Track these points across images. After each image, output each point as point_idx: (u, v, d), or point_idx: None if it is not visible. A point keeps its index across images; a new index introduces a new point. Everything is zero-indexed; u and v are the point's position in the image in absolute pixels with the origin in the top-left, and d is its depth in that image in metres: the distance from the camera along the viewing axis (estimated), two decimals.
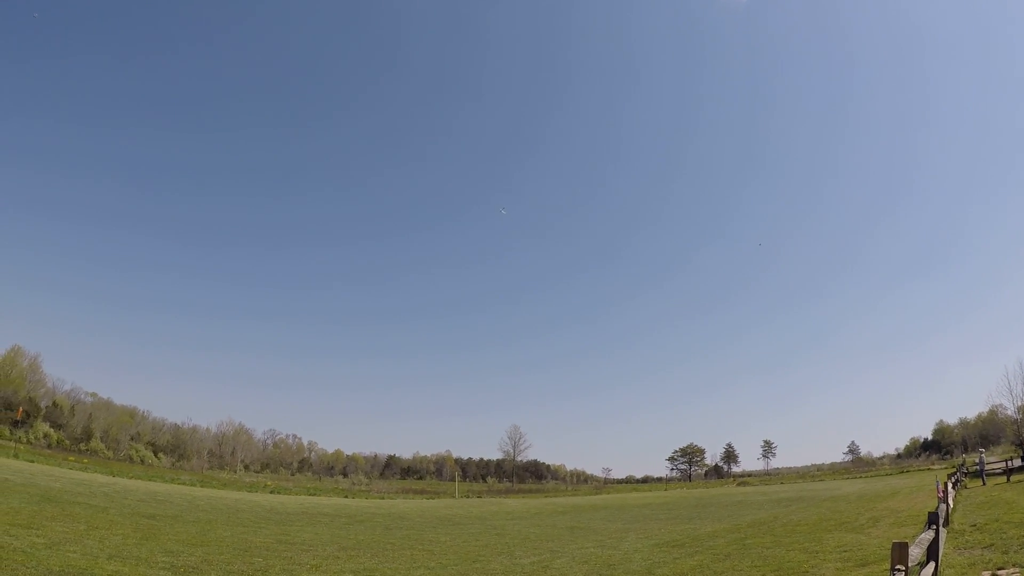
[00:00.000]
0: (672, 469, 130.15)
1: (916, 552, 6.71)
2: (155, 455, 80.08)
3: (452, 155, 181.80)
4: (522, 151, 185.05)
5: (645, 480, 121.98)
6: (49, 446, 63.23)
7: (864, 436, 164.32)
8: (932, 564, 8.51)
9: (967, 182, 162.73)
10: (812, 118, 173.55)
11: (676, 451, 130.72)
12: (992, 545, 11.91)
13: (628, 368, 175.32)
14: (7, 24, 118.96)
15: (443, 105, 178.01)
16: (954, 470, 35.33)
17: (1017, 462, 34.73)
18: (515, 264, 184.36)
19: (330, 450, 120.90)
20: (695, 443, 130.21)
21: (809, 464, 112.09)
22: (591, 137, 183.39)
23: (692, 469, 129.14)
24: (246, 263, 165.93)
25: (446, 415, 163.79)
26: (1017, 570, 9.41)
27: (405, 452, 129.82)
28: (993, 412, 75.18)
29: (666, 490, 75.10)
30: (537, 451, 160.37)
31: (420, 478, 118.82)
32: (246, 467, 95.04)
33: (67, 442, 69.30)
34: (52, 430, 69.00)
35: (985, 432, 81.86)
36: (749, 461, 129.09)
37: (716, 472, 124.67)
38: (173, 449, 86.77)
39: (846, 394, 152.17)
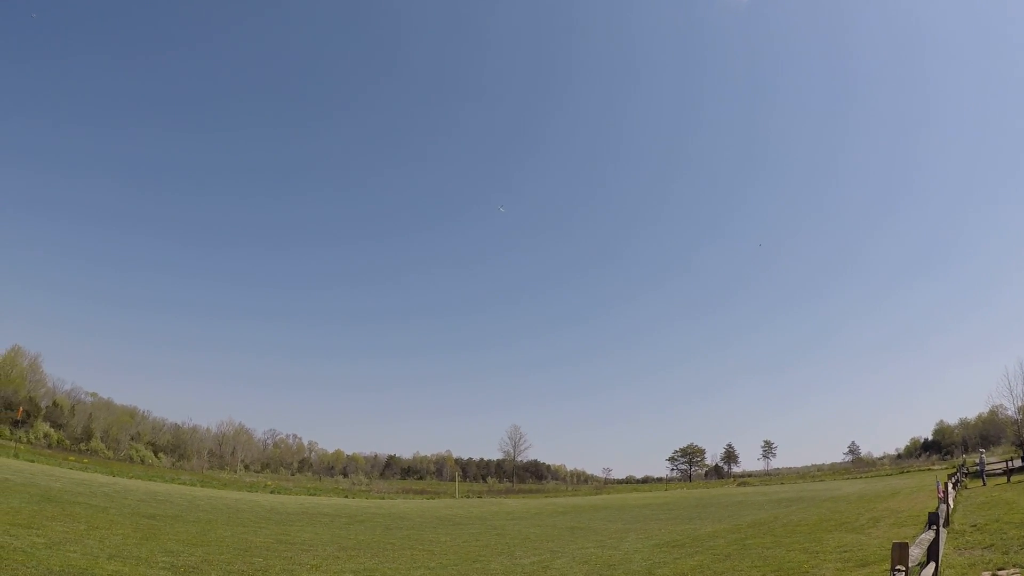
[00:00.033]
0: (672, 469, 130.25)
1: (916, 552, 6.71)
2: (155, 455, 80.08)
3: (452, 155, 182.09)
4: (522, 151, 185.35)
5: (645, 480, 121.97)
6: (49, 446, 63.23)
7: (864, 436, 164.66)
8: (932, 564, 8.51)
9: (967, 182, 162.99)
10: (813, 118, 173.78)
11: (676, 451, 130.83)
12: (992, 545, 11.91)
13: (628, 368, 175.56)
14: (7, 24, 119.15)
15: (443, 105, 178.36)
16: (954, 470, 35.31)
17: (1017, 462, 34.71)
18: (515, 264, 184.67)
19: (330, 450, 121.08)
20: (695, 443, 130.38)
21: (809, 464, 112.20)
22: (591, 137, 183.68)
23: (692, 469, 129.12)
24: (246, 263, 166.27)
25: (446, 415, 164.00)
26: (1017, 570, 9.41)
27: (405, 452, 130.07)
28: (993, 412, 75.14)
29: (666, 490, 75.11)
30: (537, 451, 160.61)
31: (420, 478, 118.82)
32: (246, 467, 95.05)
33: (67, 442, 69.30)
34: (52, 430, 69.01)
35: (985, 432, 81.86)
36: (749, 461, 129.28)
37: (716, 472, 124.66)
38: (173, 449, 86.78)
39: (846, 394, 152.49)
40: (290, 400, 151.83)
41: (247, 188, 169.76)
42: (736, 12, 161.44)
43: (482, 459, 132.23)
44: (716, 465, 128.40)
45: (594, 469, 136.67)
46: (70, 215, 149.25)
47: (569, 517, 31.11)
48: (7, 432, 59.04)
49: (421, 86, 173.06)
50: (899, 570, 5.54)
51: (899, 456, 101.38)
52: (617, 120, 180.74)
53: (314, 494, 51.28)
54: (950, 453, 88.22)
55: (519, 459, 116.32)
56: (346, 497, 51.23)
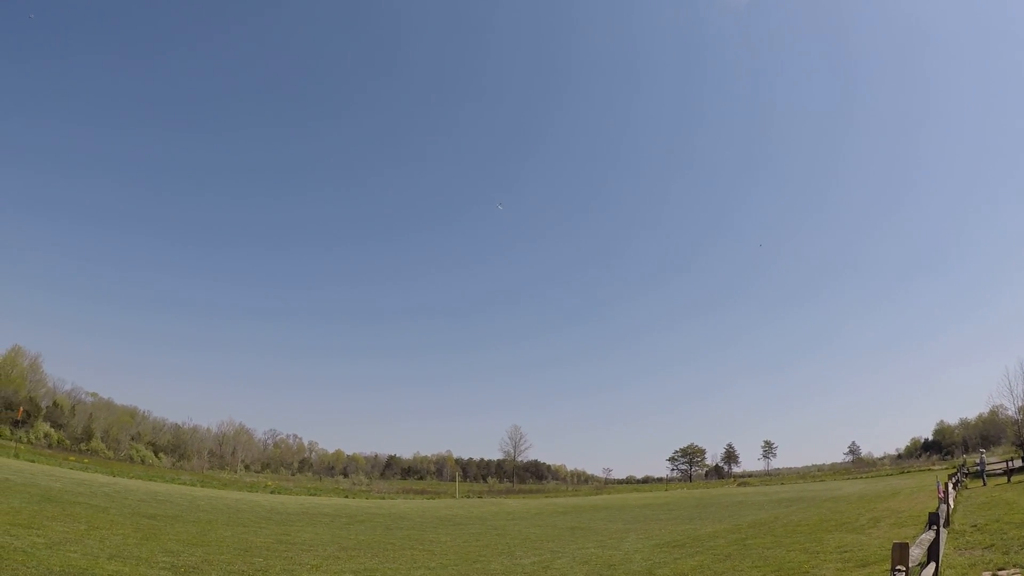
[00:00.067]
0: (673, 469, 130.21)
1: (917, 553, 6.71)
2: (155, 455, 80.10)
3: (452, 155, 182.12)
4: (523, 151, 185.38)
5: (646, 480, 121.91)
6: (50, 446, 63.23)
7: (865, 436, 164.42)
8: (933, 564, 8.51)
9: (968, 182, 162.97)
10: (813, 118, 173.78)
11: (677, 451, 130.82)
12: (993, 546, 11.90)
13: (629, 368, 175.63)
14: (7, 24, 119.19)
15: (443, 105, 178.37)
16: (955, 470, 35.29)
17: (1018, 462, 34.69)
18: (515, 264, 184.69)
19: (330, 450, 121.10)
20: (696, 443, 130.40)
21: (810, 464, 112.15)
22: (591, 137, 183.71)
23: (693, 469, 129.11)
24: (246, 263, 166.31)
25: (447, 415, 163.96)
26: (1018, 570, 9.41)
27: (405, 452, 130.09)
28: (994, 412, 75.14)
29: (667, 490, 75.08)
30: (538, 451, 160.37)
31: (420, 478, 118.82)
32: (246, 467, 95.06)
33: (67, 442, 69.32)
34: (53, 430, 69.02)
35: (986, 432, 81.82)
36: (750, 461, 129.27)
37: (717, 472, 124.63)
38: (174, 449, 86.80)
39: (847, 394, 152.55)
40: (290, 400, 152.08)
41: (247, 188, 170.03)
42: (736, 12, 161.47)
43: (482, 459, 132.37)
44: (716, 465, 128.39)
45: (594, 469, 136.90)
46: (70, 215, 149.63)
47: (569, 517, 31.11)
48: (7, 432, 59.06)
49: (421, 86, 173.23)
50: (899, 570, 5.53)
51: (899, 456, 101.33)
52: (617, 120, 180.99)
53: (314, 494, 51.27)
54: (950, 453, 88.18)
55: (519, 459, 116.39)
56: (346, 497, 51.22)
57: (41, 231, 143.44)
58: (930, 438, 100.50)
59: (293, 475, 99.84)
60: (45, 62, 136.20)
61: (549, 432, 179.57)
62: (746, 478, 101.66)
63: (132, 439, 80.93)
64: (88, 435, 74.61)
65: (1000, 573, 9.38)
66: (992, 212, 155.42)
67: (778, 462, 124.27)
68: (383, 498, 53.51)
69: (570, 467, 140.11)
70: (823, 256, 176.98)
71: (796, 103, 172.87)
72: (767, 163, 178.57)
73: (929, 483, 32.71)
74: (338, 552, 15.28)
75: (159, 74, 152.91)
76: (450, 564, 14.09)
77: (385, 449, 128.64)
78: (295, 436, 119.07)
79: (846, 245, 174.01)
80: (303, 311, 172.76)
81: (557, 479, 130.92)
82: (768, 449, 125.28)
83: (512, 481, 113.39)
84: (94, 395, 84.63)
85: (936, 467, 63.61)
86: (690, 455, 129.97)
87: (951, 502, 18.02)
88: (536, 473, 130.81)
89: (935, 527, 8.61)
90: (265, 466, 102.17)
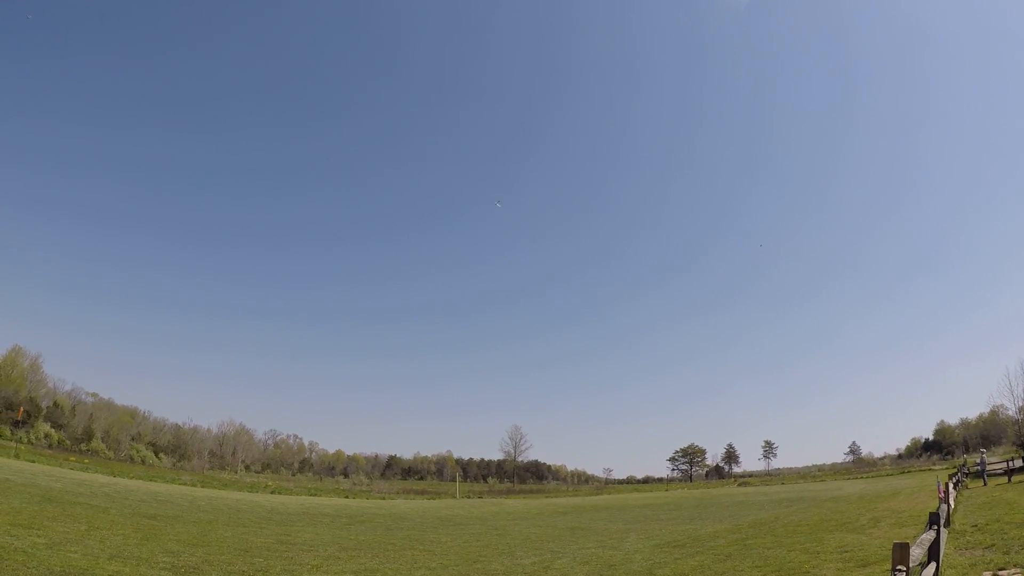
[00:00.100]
0: (673, 469, 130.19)
1: (917, 552, 6.71)
2: (156, 455, 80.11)
3: (453, 155, 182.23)
4: (523, 151, 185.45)
5: (646, 480, 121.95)
6: (50, 446, 63.24)
7: (865, 436, 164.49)
8: (933, 564, 8.51)
9: (968, 182, 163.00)
10: (813, 118, 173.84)
11: (677, 451, 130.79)
12: (993, 546, 11.90)
13: (629, 368, 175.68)
14: (7, 24, 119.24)
15: (443, 105, 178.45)
16: (955, 470, 35.26)
17: (1018, 462, 34.67)
18: (516, 264, 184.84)
19: (331, 450, 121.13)
20: (696, 443, 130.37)
21: (810, 464, 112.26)
22: (591, 137, 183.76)
23: (693, 469, 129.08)
24: (246, 263, 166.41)
25: (447, 415, 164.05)
26: (1018, 570, 9.40)
27: (406, 452, 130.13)
28: (994, 412, 75.19)
29: (667, 490, 75.07)
30: (538, 451, 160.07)
31: (421, 478, 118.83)
32: (247, 467, 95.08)
33: (68, 442, 69.32)
34: (53, 430, 69.03)
35: (986, 432, 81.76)
36: (750, 461, 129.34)
37: (717, 472, 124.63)
38: (174, 449, 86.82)
39: (847, 394, 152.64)
40: (290, 400, 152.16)
41: (247, 188, 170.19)
42: (736, 12, 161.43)
43: (483, 459, 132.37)
44: (717, 465, 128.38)
45: (595, 469, 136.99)
46: (70, 215, 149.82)
47: (570, 517, 31.11)
48: (8, 432, 59.05)
49: (421, 86, 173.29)
50: (900, 570, 5.53)
51: (900, 456, 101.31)
52: (617, 120, 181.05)
53: (315, 494, 51.28)
54: (951, 453, 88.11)
55: (520, 459, 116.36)
56: (347, 497, 51.22)
57: (41, 231, 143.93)
58: (930, 438, 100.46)
59: (293, 475, 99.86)
60: (45, 62, 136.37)
61: (549, 432, 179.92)
62: (746, 478, 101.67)
63: (132, 439, 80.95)
64: (88, 435, 74.62)
65: (1001, 573, 9.38)
66: (992, 212, 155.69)
67: (778, 462, 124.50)
68: (383, 498, 53.51)
69: (570, 467, 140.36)
70: (823, 256, 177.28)
71: (796, 103, 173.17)
72: (767, 163, 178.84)
73: (930, 483, 32.71)
74: (338, 552, 15.28)
75: (159, 74, 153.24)
76: (451, 564, 14.09)
77: (385, 449, 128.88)
78: (295, 436, 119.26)
79: (846, 245, 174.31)
80: (303, 311, 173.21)
81: (557, 479, 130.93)
82: (768, 449, 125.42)
83: (512, 481, 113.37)
84: (94, 395, 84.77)
85: (936, 467, 63.60)
86: (690, 455, 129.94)
87: (952, 502, 18.02)
88: (536, 473, 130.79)
89: (936, 527, 8.61)
90: (265, 466, 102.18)
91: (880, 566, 10.55)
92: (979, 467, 33.19)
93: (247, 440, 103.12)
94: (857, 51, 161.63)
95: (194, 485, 43.67)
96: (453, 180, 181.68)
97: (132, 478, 39.90)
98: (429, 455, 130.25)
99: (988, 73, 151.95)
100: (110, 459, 66.30)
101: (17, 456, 39.04)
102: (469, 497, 63.00)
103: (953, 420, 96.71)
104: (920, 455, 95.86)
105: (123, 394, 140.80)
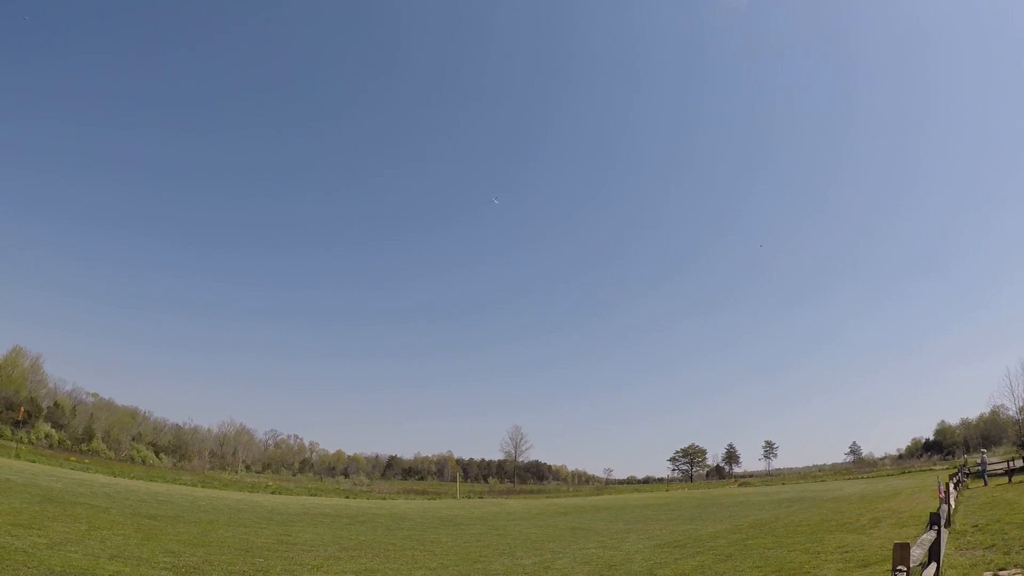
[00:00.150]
0: (673, 470, 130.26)
1: (918, 553, 6.71)
2: (156, 455, 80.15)
3: (453, 155, 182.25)
4: (523, 151, 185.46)
5: (646, 481, 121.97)
6: (50, 446, 63.29)
7: (865, 437, 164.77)
8: (934, 565, 8.51)
9: (968, 182, 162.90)
10: (813, 118, 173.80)
11: (677, 452, 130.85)
12: (994, 546, 11.89)
13: (630, 368, 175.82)
14: (7, 24, 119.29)
15: (443, 105, 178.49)
16: (955, 471, 35.25)
17: (1019, 462, 34.63)
18: (516, 264, 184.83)
19: (331, 450, 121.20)
20: (696, 444, 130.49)
21: (810, 465, 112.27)
22: (592, 137, 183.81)
23: (693, 470, 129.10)
24: (246, 263, 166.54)
25: (447, 416, 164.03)
26: (1019, 571, 9.40)
27: (406, 453, 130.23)
28: (995, 412, 75.21)
29: (667, 491, 75.04)
30: (538, 452, 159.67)
31: (421, 479, 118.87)
32: (247, 467, 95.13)
33: (68, 442, 69.37)
34: (53, 430, 69.09)
35: (987, 432, 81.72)
36: (750, 462, 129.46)
37: (717, 473, 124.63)
38: (174, 449, 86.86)
39: (848, 395, 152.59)
40: (291, 400, 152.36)
41: (247, 188, 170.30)
42: (736, 12, 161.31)
43: (483, 459, 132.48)
44: (717, 465, 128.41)
45: (595, 470, 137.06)
46: (70, 215, 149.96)
47: (570, 518, 31.11)
48: (8, 432, 59.06)
49: (421, 86, 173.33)
50: (900, 570, 5.53)
51: (900, 456, 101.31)
52: (618, 120, 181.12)
53: (315, 495, 51.29)
54: (951, 453, 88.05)
55: (520, 459, 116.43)
56: (347, 498, 51.23)
57: (41, 231, 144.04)
58: (931, 438, 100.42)
59: (294, 475, 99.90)
60: (45, 62, 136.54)
61: (550, 432, 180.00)
62: (747, 478, 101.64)
63: (133, 439, 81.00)
64: (89, 435, 74.66)
65: (1001, 573, 9.38)
66: (992, 212, 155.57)
67: (779, 462, 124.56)
68: (384, 498, 53.52)
69: (571, 467, 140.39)
70: (823, 256, 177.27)
71: (796, 103, 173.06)
72: (767, 163, 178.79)
73: (930, 483, 32.69)
74: (339, 552, 15.29)
75: (159, 74, 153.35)
76: (451, 564, 14.09)
77: (386, 449, 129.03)
78: (296, 436, 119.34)
79: (846, 245, 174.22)
80: (303, 311, 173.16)
81: (558, 479, 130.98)
82: (769, 449, 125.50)
83: (513, 481, 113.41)
84: (95, 395, 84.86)
85: (937, 467, 63.54)
86: (691, 455, 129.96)
87: (952, 502, 18.01)
88: (537, 473, 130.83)
89: (936, 527, 8.60)
90: (266, 466, 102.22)
91: (881, 566, 10.54)
92: (980, 467, 33.17)
93: (247, 440, 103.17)
94: (857, 51, 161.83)
95: (195, 485, 43.67)
96: (453, 180, 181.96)
97: (133, 478, 39.91)
98: (430, 455, 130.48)
99: (988, 73, 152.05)
100: (110, 459, 66.34)
101: (18, 456, 39.05)
102: (470, 497, 62.99)
103: (953, 420, 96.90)
104: (921, 455, 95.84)
105: (123, 394, 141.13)
